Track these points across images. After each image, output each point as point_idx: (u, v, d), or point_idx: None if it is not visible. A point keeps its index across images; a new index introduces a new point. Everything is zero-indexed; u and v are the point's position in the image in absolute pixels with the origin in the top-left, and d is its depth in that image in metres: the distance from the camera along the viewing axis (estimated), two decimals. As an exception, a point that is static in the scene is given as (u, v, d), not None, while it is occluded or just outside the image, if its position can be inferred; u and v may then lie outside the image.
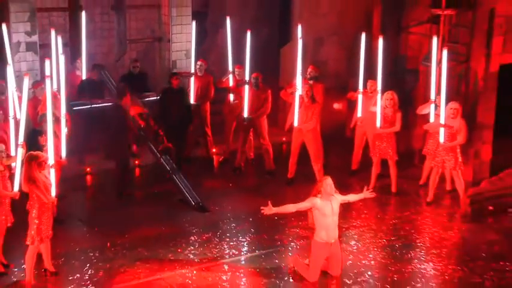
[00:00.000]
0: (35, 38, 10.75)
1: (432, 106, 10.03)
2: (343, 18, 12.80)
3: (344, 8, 12.80)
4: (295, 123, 10.48)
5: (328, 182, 7.81)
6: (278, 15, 13.47)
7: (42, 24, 10.96)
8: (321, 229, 7.84)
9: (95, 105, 10.31)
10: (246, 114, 10.97)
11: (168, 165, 10.28)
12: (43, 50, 10.88)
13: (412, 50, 11.82)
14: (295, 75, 10.61)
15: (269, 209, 7.78)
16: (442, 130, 9.74)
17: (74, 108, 10.17)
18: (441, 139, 9.76)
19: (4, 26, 10.04)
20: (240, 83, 11.17)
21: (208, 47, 13.06)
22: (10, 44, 10.13)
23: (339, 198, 7.94)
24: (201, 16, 12.57)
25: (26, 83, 7.85)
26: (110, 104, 10.39)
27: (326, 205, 7.76)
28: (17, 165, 7.76)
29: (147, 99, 10.94)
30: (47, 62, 8.13)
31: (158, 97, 10.97)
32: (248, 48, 10.81)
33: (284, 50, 13.13)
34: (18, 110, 8.63)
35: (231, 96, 11.48)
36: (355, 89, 10.85)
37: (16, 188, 7.70)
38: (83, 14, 11.06)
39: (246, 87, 10.91)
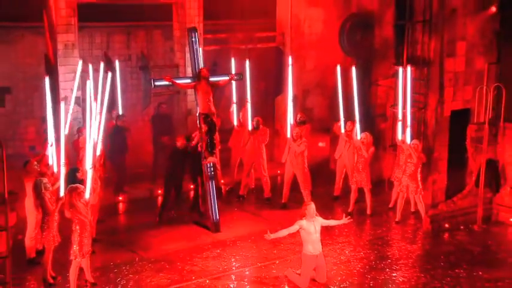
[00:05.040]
0: (78, 93, 10.77)
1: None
2: (325, 74, 12.94)
3: (326, 66, 12.94)
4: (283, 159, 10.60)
5: (311, 206, 7.87)
6: (274, 71, 13.63)
7: (84, 82, 11.05)
8: (308, 244, 7.86)
9: (171, 84, 9.52)
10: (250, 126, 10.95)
11: (207, 172, 9.54)
12: (85, 103, 10.94)
13: (380, 99, 11.87)
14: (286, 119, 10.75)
15: (268, 236, 7.84)
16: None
17: (156, 84, 9.38)
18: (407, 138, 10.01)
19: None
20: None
21: (218, 97, 13.17)
22: (58, 98, 10.24)
23: (320, 220, 7.97)
24: (211, 73, 12.72)
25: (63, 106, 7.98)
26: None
27: (310, 225, 7.81)
28: (61, 179, 7.83)
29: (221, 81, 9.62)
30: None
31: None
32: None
33: (278, 99, 13.25)
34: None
35: (235, 121, 11.42)
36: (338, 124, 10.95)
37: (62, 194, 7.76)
38: (118, 74, 11.12)
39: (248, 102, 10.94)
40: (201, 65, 9.55)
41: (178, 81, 9.50)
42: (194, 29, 9.70)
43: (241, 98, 11.37)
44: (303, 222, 7.81)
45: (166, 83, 9.35)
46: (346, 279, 8.15)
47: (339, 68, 10.75)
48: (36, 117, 11.92)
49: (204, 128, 9.17)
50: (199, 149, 9.63)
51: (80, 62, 10.23)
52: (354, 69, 10.68)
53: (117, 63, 11.23)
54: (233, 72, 11.29)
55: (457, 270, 8.50)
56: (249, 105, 11.11)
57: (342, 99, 10.69)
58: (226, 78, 9.75)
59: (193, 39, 9.55)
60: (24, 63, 11.76)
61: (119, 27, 12.59)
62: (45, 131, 9.99)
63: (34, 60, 11.68)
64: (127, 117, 11.29)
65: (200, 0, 11.73)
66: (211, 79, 9.41)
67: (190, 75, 11.35)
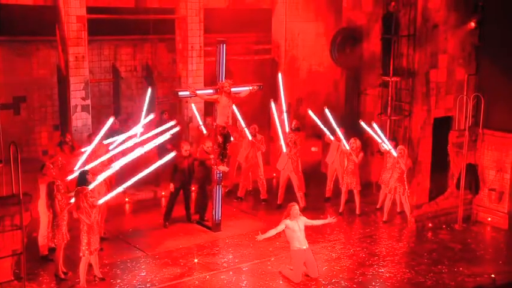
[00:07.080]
0: (88, 101, 10.79)
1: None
2: (317, 84, 13.04)
3: (317, 77, 13.05)
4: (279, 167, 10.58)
5: (295, 208, 7.98)
6: (269, 81, 13.68)
7: (93, 91, 11.08)
8: (294, 241, 7.97)
9: (194, 96, 9.00)
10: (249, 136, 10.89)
11: (217, 176, 9.40)
12: (94, 110, 11.00)
13: (368, 107, 11.91)
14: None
15: (260, 237, 7.96)
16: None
17: (180, 94, 9.01)
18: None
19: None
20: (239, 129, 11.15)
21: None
22: (69, 106, 10.24)
23: (304, 219, 8.07)
24: (211, 83, 12.76)
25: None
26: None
27: (294, 224, 7.94)
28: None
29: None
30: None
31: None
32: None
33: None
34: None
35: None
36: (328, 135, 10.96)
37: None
38: (148, 84, 10.80)
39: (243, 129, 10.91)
40: (224, 77, 9.08)
41: (200, 93, 9.08)
42: (223, 41, 9.05)
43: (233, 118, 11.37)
44: (288, 222, 7.95)
45: (189, 93, 8.97)
46: (337, 275, 8.20)
47: (311, 112, 10.71)
48: (48, 124, 11.94)
49: (220, 139, 9.00)
50: (209, 156, 9.57)
51: None
52: (326, 109, 10.53)
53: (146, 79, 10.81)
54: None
55: (439, 266, 8.56)
56: (246, 131, 10.93)
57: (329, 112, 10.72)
58: (248, 89, 9.30)
59: (221, 51, 8.98)
60: (39, 74, 11.76)
61: (125, 41, 12.62)
62: (61, 135, 10.05)
63: (47, 71, 11.69)
64: (131, 122, 11.34)
65: (201, 15, 11.79)
66: (233, 89, 9.10)
67: (191, 82, 11.41)
